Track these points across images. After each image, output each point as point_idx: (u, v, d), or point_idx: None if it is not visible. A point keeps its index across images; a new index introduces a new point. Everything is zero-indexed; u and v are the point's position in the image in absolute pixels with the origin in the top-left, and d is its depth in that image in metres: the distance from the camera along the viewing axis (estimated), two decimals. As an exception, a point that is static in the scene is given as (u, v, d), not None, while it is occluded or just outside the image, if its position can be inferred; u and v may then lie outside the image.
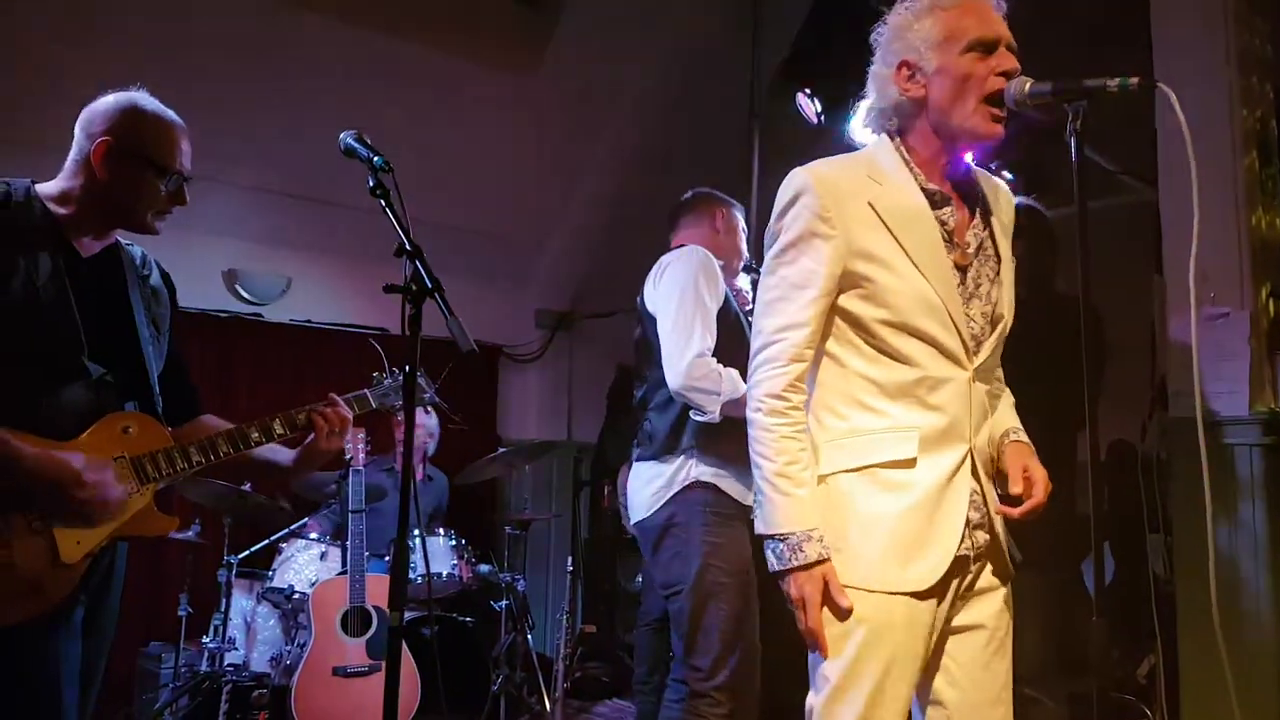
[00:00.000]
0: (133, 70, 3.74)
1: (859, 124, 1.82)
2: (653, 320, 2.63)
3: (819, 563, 1.56)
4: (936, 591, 1.57)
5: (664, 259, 2.72)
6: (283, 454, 2.04)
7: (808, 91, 4.15)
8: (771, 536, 1.59)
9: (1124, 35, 3.18)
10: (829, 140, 4.26)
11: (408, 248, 1.56)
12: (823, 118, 4.14)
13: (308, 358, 5.18)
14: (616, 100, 5.11)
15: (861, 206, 1.61)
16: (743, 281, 2.93)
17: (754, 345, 1.67)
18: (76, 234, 1.80)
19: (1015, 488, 1.65)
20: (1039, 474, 1.66)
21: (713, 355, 2.49)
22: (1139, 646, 3.40)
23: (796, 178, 1.65)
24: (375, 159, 1.65)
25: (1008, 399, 1.82)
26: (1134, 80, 1.45)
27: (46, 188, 1.80)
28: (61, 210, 1.79)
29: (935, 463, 1.58)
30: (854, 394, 1.63)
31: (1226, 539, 2.69)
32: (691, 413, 2.51)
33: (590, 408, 6.10)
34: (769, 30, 4.59)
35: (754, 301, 3.03)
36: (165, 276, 2.01)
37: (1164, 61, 2.88)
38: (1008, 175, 3.28)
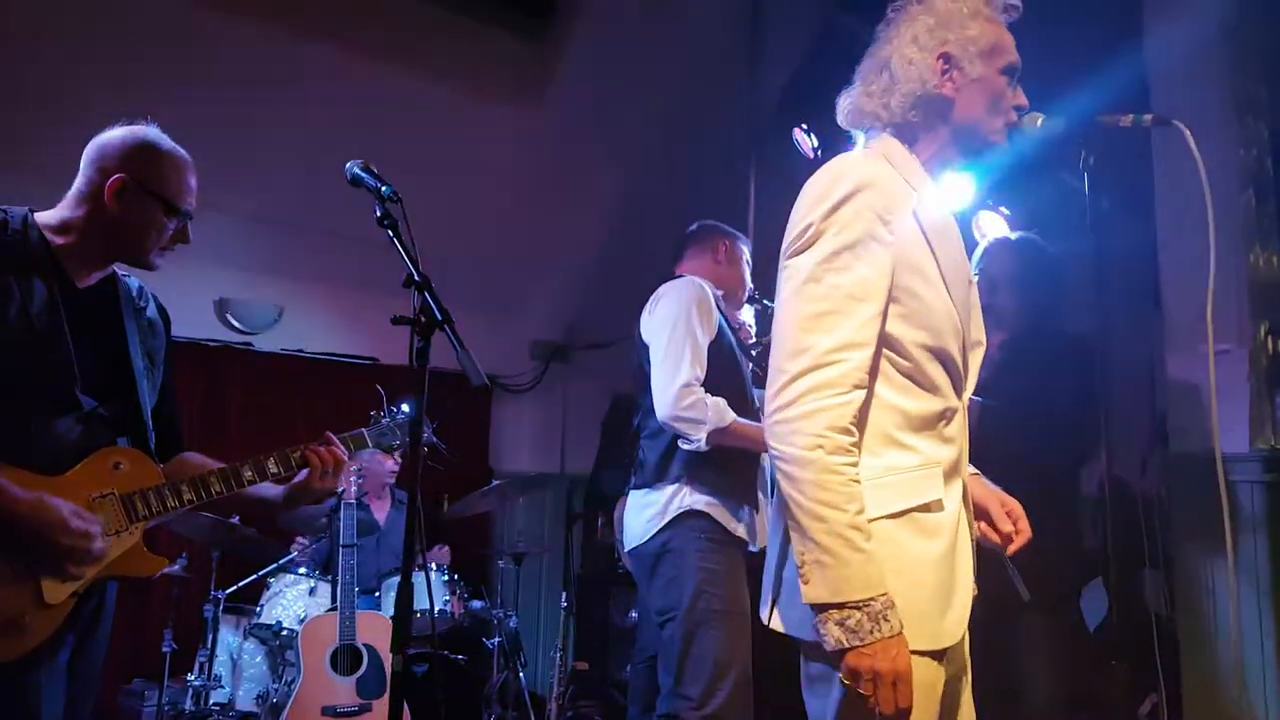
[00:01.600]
0: (126, 98, 3.74)
1: (843, 110, 1.59)
2: (646, 349, 2.65)
3: (902, 632, 1.32)
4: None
5: (660, 289, 2.73)
6: (272, 490, 2.00)
7: (804, 127, 4.17)
8: (841, 605, 1.31)
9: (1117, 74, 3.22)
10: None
11: (416, 279, 1.53)
12: (819, 153, 4.16)
13: (299, 387, 5.13)
14: (615, 133, 5.13)
15: (908, 213, 1.44)
16: (746, 314, 2.93)
17: (792, 365, 1.38)
18: (74, 264, 1.78)
19: (1006, 525, 1.58)
20: (1018, 507, 1.60)
21: (702, 386, 2.50)
22: (1138, 684, 3.37)
23: (851, 170, 1.43)
24: (383, 189, 1.63)
25: None
26: (1148, 117, 1.46)
27: (45, 216, 1.78)
28: (60, 240, 1.76)
29: (950, 501, 1.46)
30: (883, 427, 1.43)
31: (1229, 575, 2.67)
32: (679, 441, 2.53)
33: (584, 439, 6.06)
34: (766, 66, 4.63)
35: (757, 333, 3.06)
36: (161, 309, 1.99)
37: (1161, 100, 2.91)
38: (1004, 210, 3.30)
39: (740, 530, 2.58)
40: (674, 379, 2.48)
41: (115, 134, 1.82)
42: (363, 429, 2.11)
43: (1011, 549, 1.57)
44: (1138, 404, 3.29)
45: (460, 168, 4.82)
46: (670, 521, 2.55)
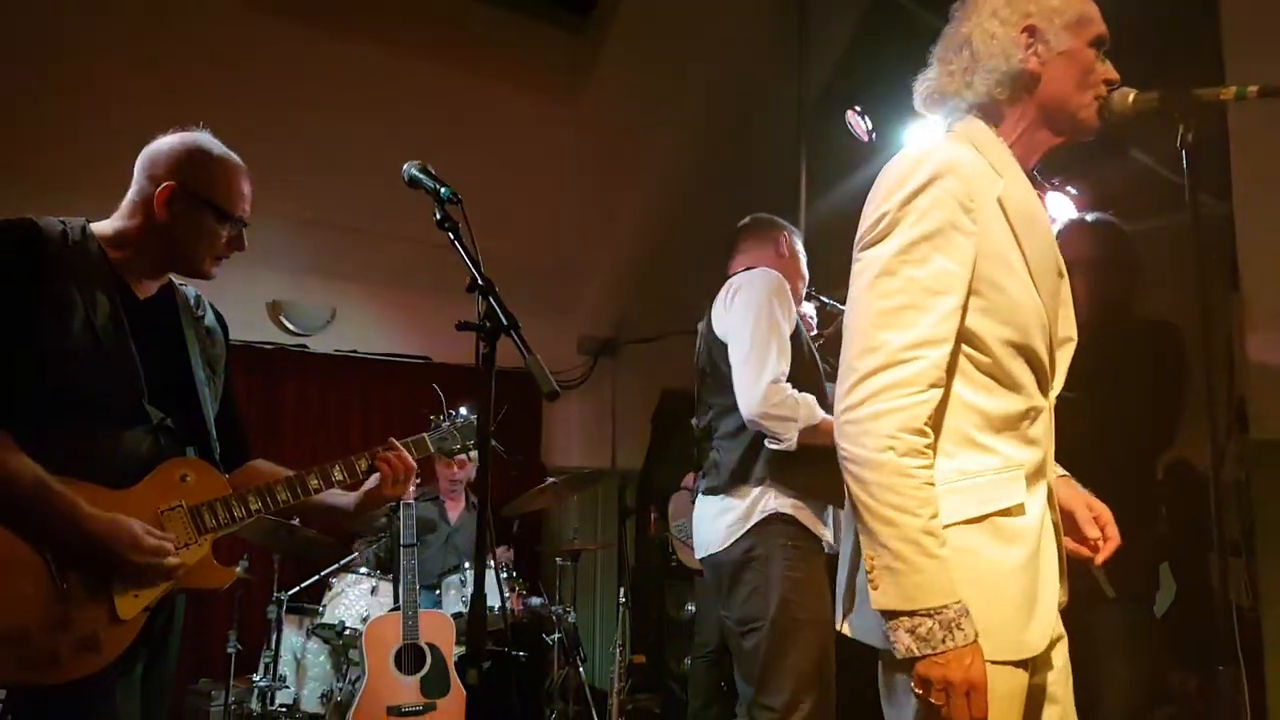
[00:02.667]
0: (172, 102, 3.77)
1: (920, 93, 1.51)
2: (721, 345, 2.52)
3: (977, 641, 1.27)
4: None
5: (734, 280, 2.59)
6: (342, 499, 1.98)
7: (858, 109, 4.08)
8: (912, 613, 1.26)
9: (1188, 42, 3.09)
10: (878, 161, 4.20)
11: (479, 283, 1.50)
12: (874, 135, 4.07)
13: (353, 388, 5.18)
14: (660, 124, 5.09)
15: (993, 202, 1.36)
16: (806, 308, 2.85)
17: (864, 363, 1.33)
18: (132, 275, 1.77)
19: (1092, 530, 1.51)
20: (1105, 512, 1.53)
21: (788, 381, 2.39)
22: (1213, 676, 3.26)
23: (930, 155, 1.35)
24: (442, 190, 1.60)
25: None
26: (1252, 90, 1.37)
27: (101, 227, 1.77)
28: (116, 252, 1.76)
29: (1034, 505, 1.38)
30: (960, 428, 1.36)
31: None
32: (766, 441, 2.41)
33: (634, 434, 6.04)
34: (815, 50, 4.54)
35: (817, 328, 2.97)
36: (219, 316, 1.98)
37: (1236, 72, 2.79)
38: (1071, 190, 3.18)
39: (827, 534, 2.48)
40: (761, 376, 2.35)
41: (165, 141, 1.80)
42: (424, 434, 2.07)
43: (1099, 558, 1.50)
44: (1214, 389, 3.17)
45: (507, 164, 4.81)
46: (754, 526, 2.43)
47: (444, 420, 2.15)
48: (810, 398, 2.37)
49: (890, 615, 1.29)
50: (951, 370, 1.35)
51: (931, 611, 1.26)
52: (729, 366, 2.47)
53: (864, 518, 1.31)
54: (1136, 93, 1.45)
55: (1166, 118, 1.43)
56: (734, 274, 2.68)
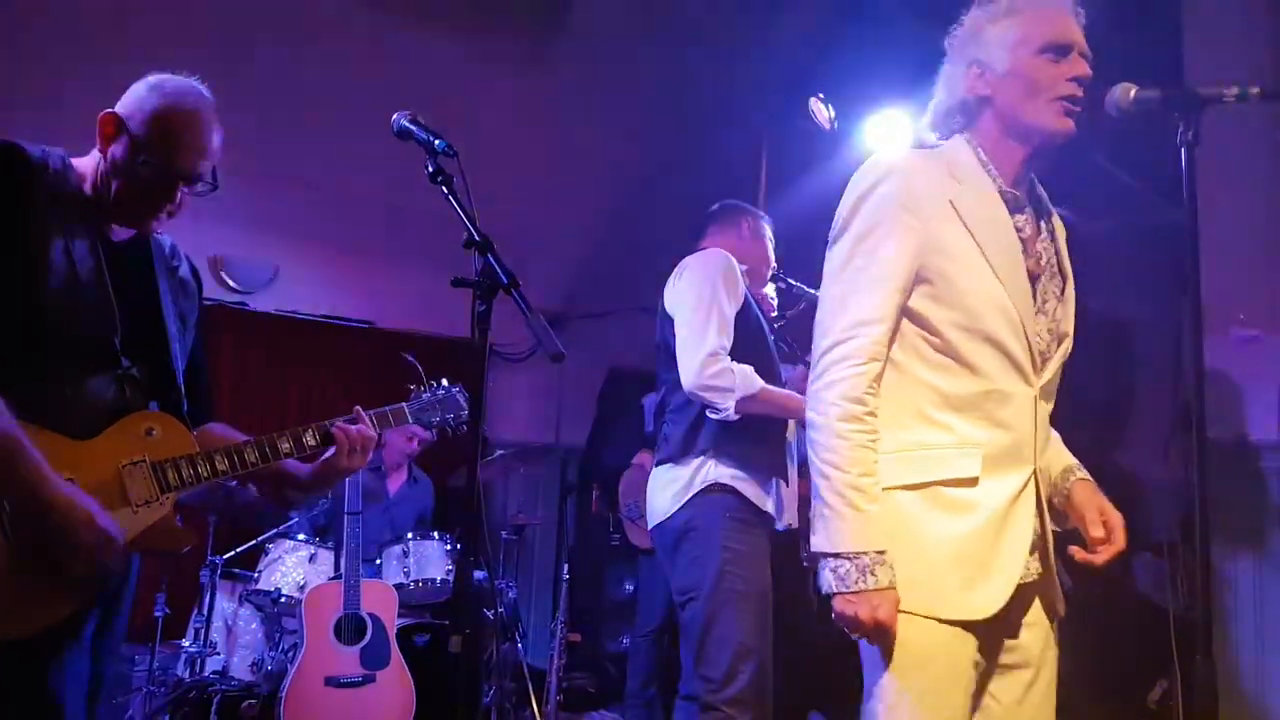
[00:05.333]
0: (126, 43, 3.58)
1: (926, 123, 1.73)
2: (669, 321, 2.58)
3: (890, 588, 1.47)
4: (989, 621, 1.49)
5: (685, 260, 2.66)
6: (300, 468, 1.90)
7: (821, 96, 4.08)
8: (835, 555, 1.48)
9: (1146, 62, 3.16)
10: (839, 150, 4.22)
11: (477, 239, 1.44)
12: (835, 124, 4.07)
13: (292, 349, 5.03)
14: (618, 101, 5.01)
15: (942, 202, 1.54)
16: (769, 290, 2.87)
17: (822, 343, 1.57)
18: (104, 216, 1.67)
19: (1096, 531, 1.60)
20: (1117, 519, 1.61)
21: (729, 356, 2.44)
22: (1148, 672, 3.37)
23: (877, 165, 1.58)
24: (436, 142, 1.54)
25: (1055, 434, 1.73)
26: (1255, 91, 1.39)
27: (80, 163, 1.67)
28: (91, 189, 1.65)
29: (999, 484, 1.51)
30: (916, 404, 1.54)
31: (1255, 566, 2.66)
32: (708, 412, 2.46)
33: (579, 411, 5.99)
34: (781, 34, 4.52)
35: (778, 307, 2.99)
36: (194, 270, 1.88)
37: (1195, 70, 2.86)
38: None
39: (769, 505, 2.52)
40: (699, 348, 2.42)
41: (143, 81, 1.69)
42: (403, 404, 1.99)
43: (1098, 558, 1.58)
44: (1162, 389, 3.26)
45: (459, 128, 4.64)
46: (694, 497, 2.48)
47: (424, 391, 2.06)
48: (747, 368, 2.43)
49: (821, 556, 1.50)
50: (912, 352, 1.55)
51: (850, 555, 1.46)
52: (675, 342, 2.52)
53: (813, 473, 1.53)
54: (1137, 88, 1.47)
55: (1163, 117, 1.44)
56: None
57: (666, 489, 2.54)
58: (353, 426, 1.86)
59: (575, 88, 4.84)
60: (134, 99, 1.66)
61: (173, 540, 1.69)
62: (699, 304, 2.49)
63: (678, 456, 2.53)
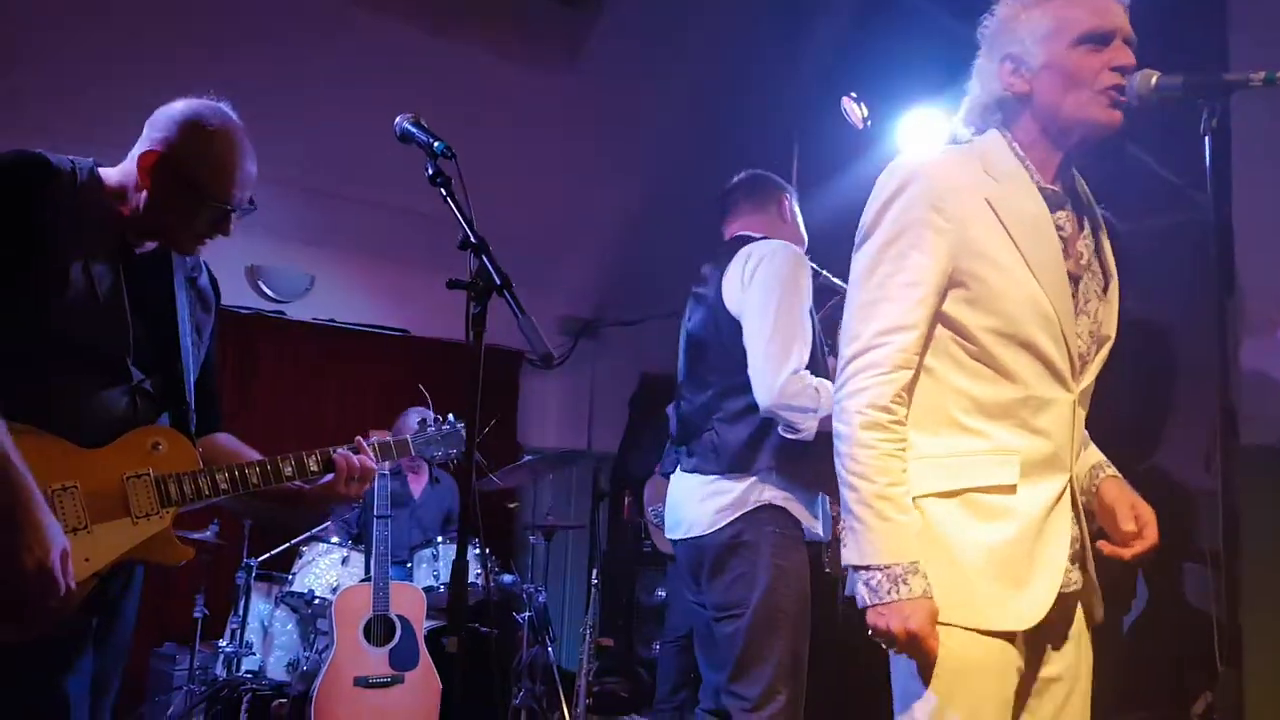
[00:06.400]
0: (156, 62, 3.66)
1: (960, 119, 1.64)
2: (732, 320, 2.37)
3: (925, 598, 1.41)
4: (1030, 633, 1.45)
5: (752, 251, 2.39)
6: (290, 488, 1.87)
7: (853, 95, 4.03)
8: (866, 567, 1.42)
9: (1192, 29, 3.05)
10: (871, 149, 4.16)
11: (473, 240, 1.44)
12: (869, 123, 4.02)
13: (329, 357, 5.10)
14: (649, 105, 5.01)
15: (978, 201, 1.48)
16: None
17: (847, 351, 1.50)
18: (130, 230, 1.69)
19: (1128, 525, 1.54)
20: (1149, 514, 1.56)
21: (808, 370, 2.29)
22: (1188, 682, 3.28)
23: (904, 166, 1.52)
24: (435, 144, 1.54)
25: (1085, 434, 1.68)
26: (1282, 75, 1.32)
27: (108, 174, 1.69)
28: (117, 203, 1.68)
29: (1036, 491, 1.46)
30: (950, 411, 1.48)
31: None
32: (781, 429, 2.30)
33: (611, 417, 5.99)
34: (812, 33, 4.49)
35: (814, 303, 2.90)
36: (213, 281, 1.90)
37: (1243, 56, 2.76)
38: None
39: (816, 526, 2.40)
40: (782, 365, 2.24)
41: (177, 105, 1.70)
42: (407, 436, 2.01)
43: (1128, 553, 1.53)
44: (1204, 394, 3.16)
45: (492, 136, 4.72)
46: (746, 514, 2.34)
47: (431, 426, 2.11)
48: (827, 384, 2.24)
49: (853, 569, 1.46)
50: (946, 357, 1.49)
51: (881, 566, 1.41)
52: (740, 344, 2.35)
53: (840, 485, 1.48)
54: (1159, 75, 1.42)
55: (1188, 104, 1.39)
56: (733, 236, 2.53)
57: (710, 501, 2.38)
58: (355, 456, 1.85)
59: (604, 92, 4.85)
60: (175, 134, 1.66)
61: (171, 554, 1.69)
62: (779, 313, 2.28)
63: (729, 469, 2.36)
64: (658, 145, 5.18)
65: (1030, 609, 1.43)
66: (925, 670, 1.43)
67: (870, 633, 1.44)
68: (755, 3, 4.73)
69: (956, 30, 2.05)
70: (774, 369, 2.25)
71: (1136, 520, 1.54)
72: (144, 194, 1.65)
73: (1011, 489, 1.44)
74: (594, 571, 4.49)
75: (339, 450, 1.84)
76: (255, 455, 1.86)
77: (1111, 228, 2.91)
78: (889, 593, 1.40)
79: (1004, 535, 1.44)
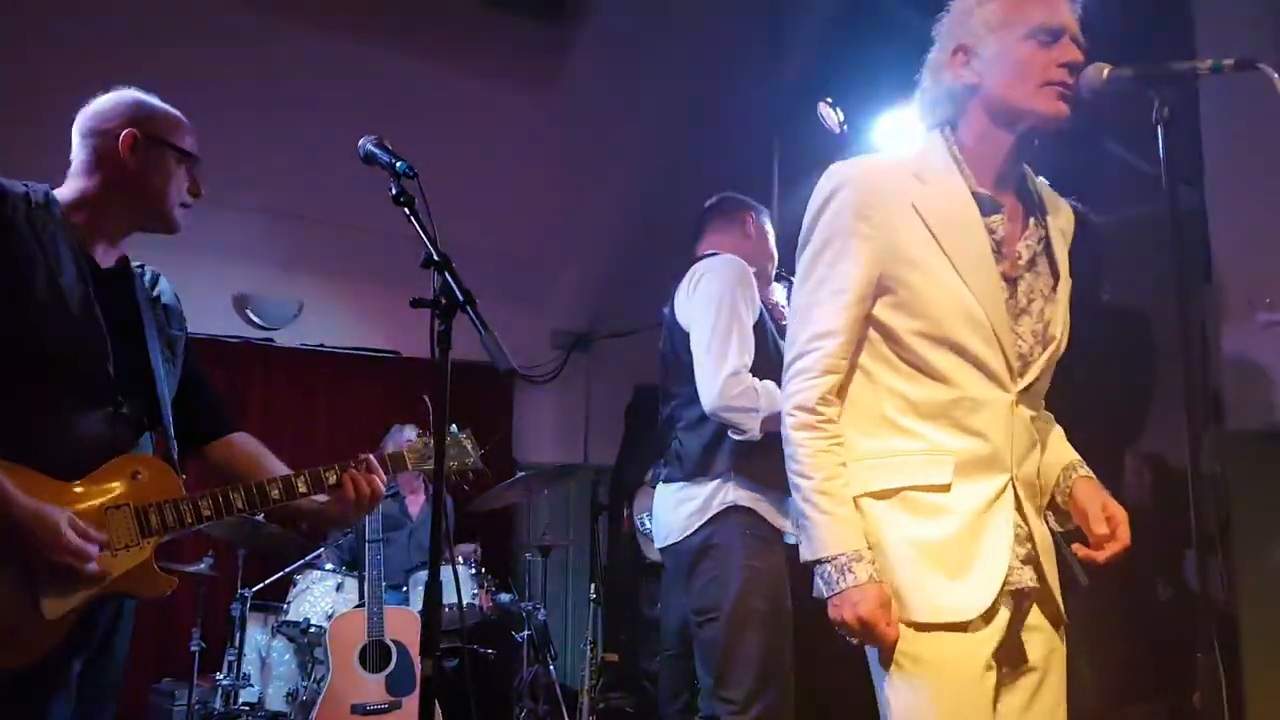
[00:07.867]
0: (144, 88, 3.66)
1: (915, 116, 1.68)
2: (683, 333, 2.49)
3: (872, 583, 1.44)
4: (985, 624, 1.45)
5: (697, 267, 2.55)
6: (306, 504, 1.84)
7: (829, 101, 4.04)
8: (818, 561, 1.47)
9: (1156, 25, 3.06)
10: (851, 150, 4.17)
11: (435, 258, 1.44)
12: (845, 128, 4.03)
13: (320, 382, 5.09)
14: (634, 117, 5.03)
15: (904, 207, 1.51)
16: (778, 293, 2.80)
17: (787, 357, 1.58)
18: (94, 241, 1.71)
19: (1099, 528, 1.54)
20: (1120, 514, 1.56)
21: (749, 371, 2.35)
22: (1186, 672, 3.25)
23: (835, 173, 1.55)
24: (398, 164, 1.54)
25: (1058, 430, 1.69)
26: (1229, 62, 1.34)
27: (61, 192, 1.71)
28: (78, 215, 1.69)
29: (972, 490, 1.47)
30: (885, 412, 1.52)
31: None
32: (730, 432, 2.38)
33: (607, 430, 5.98)
34: (789, 42, 4.51)
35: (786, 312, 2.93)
36: (175, 294, 1.89)
37: (1210, 47, 2.77)
38: (1039, 180, 3.16)
39: (786, 525, 2.44)
40: (720, 367, 2.33)
41: (102, 99, 1.76)
42: (403, 450, 1.97)
43: (1101, 556, 1.53)
44: (1187, 380, 3.15)
45: (479, 155, 4.74)
46: (714, 517, 2.41)
47: (429, 437, 2.03)
48: (771, 384, 2.31)
49: (809, 565, 1.51)
50: (881, 360, 1.54)
51: (829, 558, 1.46)
52: (690, 355, 2.43)
53: (790, 481, 1.55)
54: (1110, 67, 1.44)
55: (1142, 96, 1.40)
56: (700, 256, 2.62)
57: (680, 508, 2.47)
58: (362, 476, 1.80)
59: (589, 105, 4.86)
60: (133, 113, 1.75)
61: (153, 586, 1.67)
62: (718, 319, 2.38)
63: (694, 475, 2.45)
64: (641, 155, 5.20)
65: (974, 597, 1.44)
66: (886, 663, 1.46)
67: (833, 626, 1.47)
68: (735, 10, 4.75)
69: (929, 32, 2.06)
70: (713, 372, 2.35)
71: (1109, 521, 1.55)
72: (131, 178, 1.70)
73: (946, 488, 1.47)
74: (594, 586, 4.47)
75: (347, 471, 1.80)
76: (276, 462, 1.87)
77: (1085, 220, 2.93)
78: (838, 582, 1.45)
79: (943, 531, 1.46)
